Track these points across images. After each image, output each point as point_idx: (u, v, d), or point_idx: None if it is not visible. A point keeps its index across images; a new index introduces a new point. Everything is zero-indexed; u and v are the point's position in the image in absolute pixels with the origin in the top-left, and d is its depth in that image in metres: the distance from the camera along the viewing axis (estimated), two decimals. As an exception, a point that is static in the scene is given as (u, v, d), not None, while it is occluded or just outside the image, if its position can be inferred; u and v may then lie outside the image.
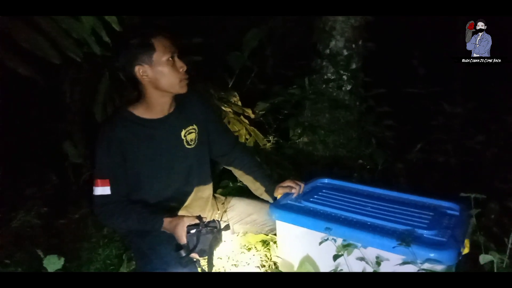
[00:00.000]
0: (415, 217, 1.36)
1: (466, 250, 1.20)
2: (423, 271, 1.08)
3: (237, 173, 1.77)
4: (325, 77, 2.91)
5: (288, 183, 1.62)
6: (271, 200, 1.68)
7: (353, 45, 2.88)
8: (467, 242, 1.23)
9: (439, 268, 1.12)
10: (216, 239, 1.32)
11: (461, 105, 2.82)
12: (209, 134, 1.67)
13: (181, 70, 1.47)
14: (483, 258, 0.90)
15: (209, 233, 1.30)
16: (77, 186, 2.31)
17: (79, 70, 2.45)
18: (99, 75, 2.41)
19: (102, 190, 1.42)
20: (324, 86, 2.90)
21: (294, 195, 1.57)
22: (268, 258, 1.69)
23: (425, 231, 1.25)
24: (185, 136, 1.57)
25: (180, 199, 1.59)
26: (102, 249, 1.63)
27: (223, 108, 2.58)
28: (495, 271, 0.90)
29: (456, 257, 1.15)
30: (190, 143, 1.58)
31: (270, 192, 1.67)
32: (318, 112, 2.93)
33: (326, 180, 1.77)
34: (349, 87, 2.91)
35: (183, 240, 1.31)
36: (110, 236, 1.76)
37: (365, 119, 2.91)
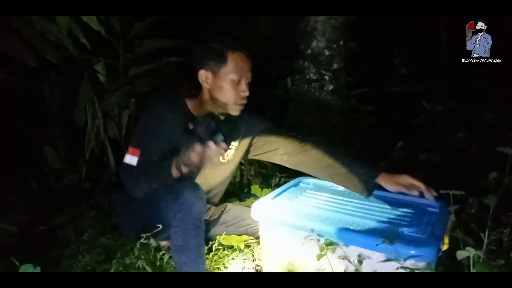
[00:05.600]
0: (396, 215, 1.37)
1: (445, 247, 1.21)
2: (406, 269, 1.08)
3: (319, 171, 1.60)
4: (307, 77, 2.92)
5: (410, 180, 1.43)
6: (365, 194, 1.50)
7: (335, 45, 2.90)
8: (446, 238, 1.24)
9: (420, 264, 1.13)
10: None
11: (442, 103, 2.85)
12: (265, 144, 1.65)
13: (241, 94, 1.45)
14: (460, 254, 0.91)
15: (205, 119, 1.30)
16: (57, 192, 2.26)
17: (59, 73, 2.41)
18: (79, 78, 2.37)
19: (130, 159, 1.39)
20: (306, 86, 2.92)
21: (428, 197, 1.39)
22: (251, 259, 1.68)
23: (406, 228, 1.26)
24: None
25: None
26: (81, 255, 1.59)
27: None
28: (471, 266, 0.91)
29: (436, 253, 1.16)
30: (224, 157, 1.57)
31: (368, 183, 1.48)
32: (302, 113, 2.93)
33: (309, 180, 1.77)
34: (331, 87, 2.93)
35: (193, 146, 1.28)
36: (91, 241, 1.72)
37: (348, 119, 2.93)
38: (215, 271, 1.60)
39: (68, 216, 1.98)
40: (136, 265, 1.40)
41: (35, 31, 1.82)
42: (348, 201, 1.50)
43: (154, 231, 1.39)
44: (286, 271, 1.42)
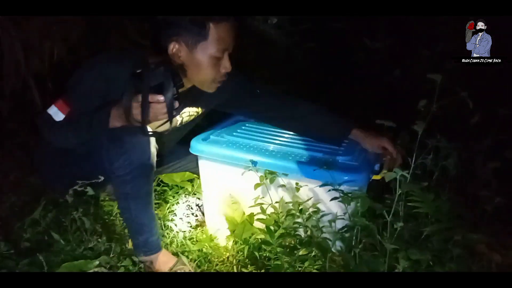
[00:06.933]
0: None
1: (379, 176, 1.28)
2: (338, 191, 1.12)
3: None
4: (251, 10, 2.81)
5: (387, 145, 1.32)
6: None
7: (279, -24, 2.77)
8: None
9: (352, 189, 1.18)
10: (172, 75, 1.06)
11: (381, 40, 2.89)
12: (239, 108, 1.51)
13: (222, 71, 1.21)
14: (388, 176, 0.96)
15: (158, 67, 1.04)
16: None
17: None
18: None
19: (55, 112, 1.17)
20: (250, 19, 2.81)
21: (386, 166, 1.30)
22: (192, 193, 1.68)
23: (341, 157, 1.31)
24: (181, 116, 1.36)
25: None
26: (7, 196, 1.49)
27: (141, 42, 2.39)
28: (398, 186, 0.96)
29: (367, 179, 1.23)
30: (180, 123, 1.38)
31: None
32: (244, 47, 2.84)
33: (249, 114, 1.74)
34: (275, 21, 2.85)
35: (134, 100, 1.06)
36: (17, 182, 1.62)
37: (291, 55, 2.90)
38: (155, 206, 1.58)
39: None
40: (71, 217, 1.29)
41: None
42: (286, 132, 1.52)
43: (93, 181, 1.22)
44: (226, 204, 1.44)
